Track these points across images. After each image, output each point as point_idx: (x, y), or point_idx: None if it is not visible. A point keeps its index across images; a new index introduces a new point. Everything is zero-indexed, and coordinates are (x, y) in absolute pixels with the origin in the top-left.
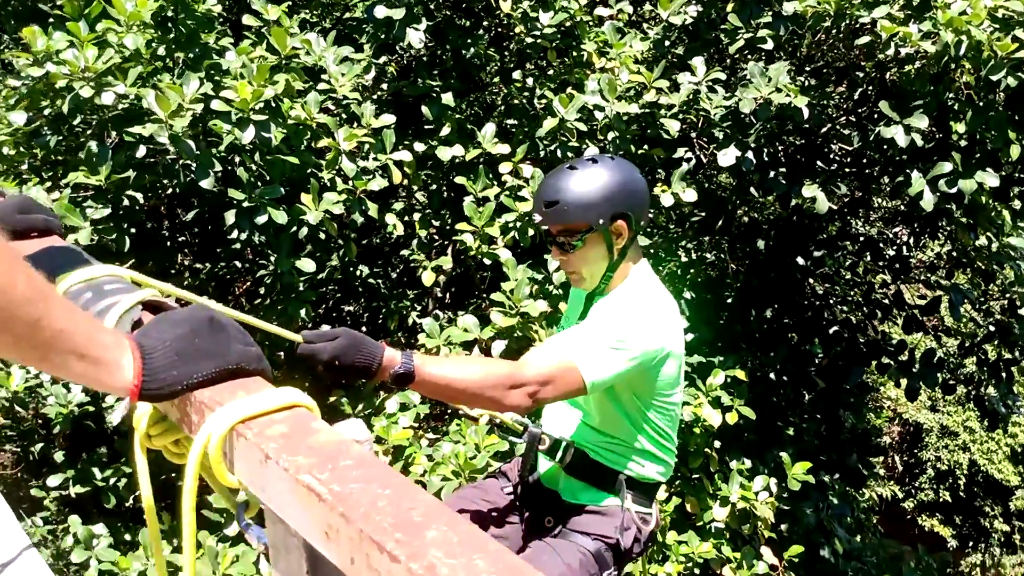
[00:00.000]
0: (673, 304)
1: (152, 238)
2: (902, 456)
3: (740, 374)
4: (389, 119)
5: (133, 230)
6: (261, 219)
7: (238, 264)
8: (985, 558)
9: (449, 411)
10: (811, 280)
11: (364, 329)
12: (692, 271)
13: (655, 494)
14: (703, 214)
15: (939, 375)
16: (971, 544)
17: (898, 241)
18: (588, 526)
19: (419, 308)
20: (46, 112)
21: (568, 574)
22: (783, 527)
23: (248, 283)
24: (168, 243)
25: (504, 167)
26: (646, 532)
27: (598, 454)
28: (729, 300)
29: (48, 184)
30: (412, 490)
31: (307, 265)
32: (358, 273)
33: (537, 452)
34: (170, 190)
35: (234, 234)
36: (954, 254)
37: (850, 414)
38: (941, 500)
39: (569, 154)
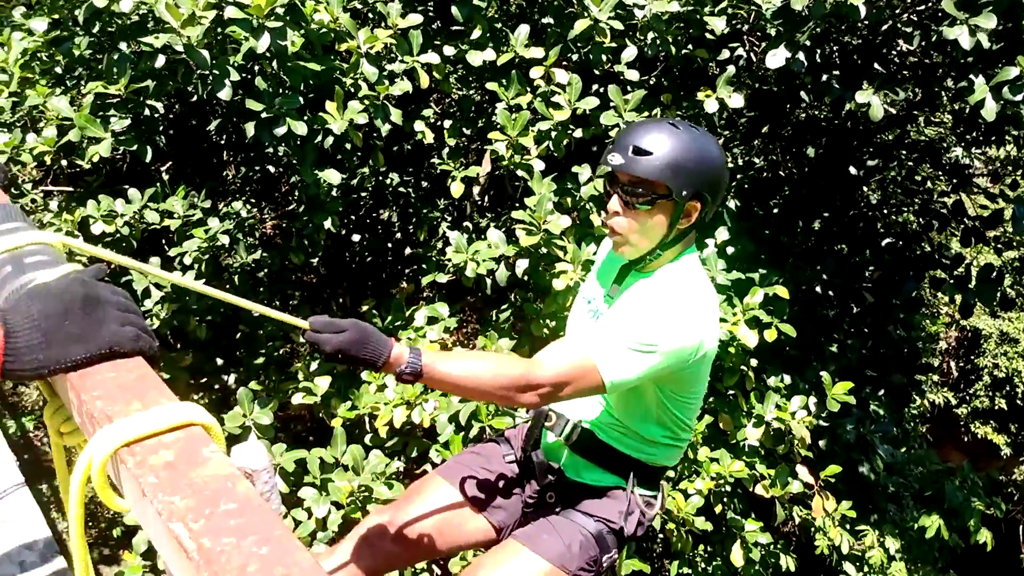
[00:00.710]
0: (715, 300)
1: (180, 147)
2: (958, 362)
3: (781, 291)
4: (416, 19)
5: (159, 140)
6: (280, 130)
7: (271, 169)
8: None
9: (479, 324)
10: (864, 188)
11: (398, 236)
12: (739, 176)
13: (662, 477)
14: (752, 114)
15: (997, 290)
16: None
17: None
18: (591, 507)
19: (450, 219)
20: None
21: (567, 555)
22: (821, 443)
23: (286, 188)
24: (199, 152)
25: (535, 71)
26: (650, 515)
27: (608, 436)
28: (776, 210)
29: (71, 95)
30: (291, 548)
31: (332, 176)
32: (388, 181)
33: (543, 428)
34: (193, 99)
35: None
36: (1021, 161)
37: (900, 329)
38: (996, 408)
39: (604, 57)
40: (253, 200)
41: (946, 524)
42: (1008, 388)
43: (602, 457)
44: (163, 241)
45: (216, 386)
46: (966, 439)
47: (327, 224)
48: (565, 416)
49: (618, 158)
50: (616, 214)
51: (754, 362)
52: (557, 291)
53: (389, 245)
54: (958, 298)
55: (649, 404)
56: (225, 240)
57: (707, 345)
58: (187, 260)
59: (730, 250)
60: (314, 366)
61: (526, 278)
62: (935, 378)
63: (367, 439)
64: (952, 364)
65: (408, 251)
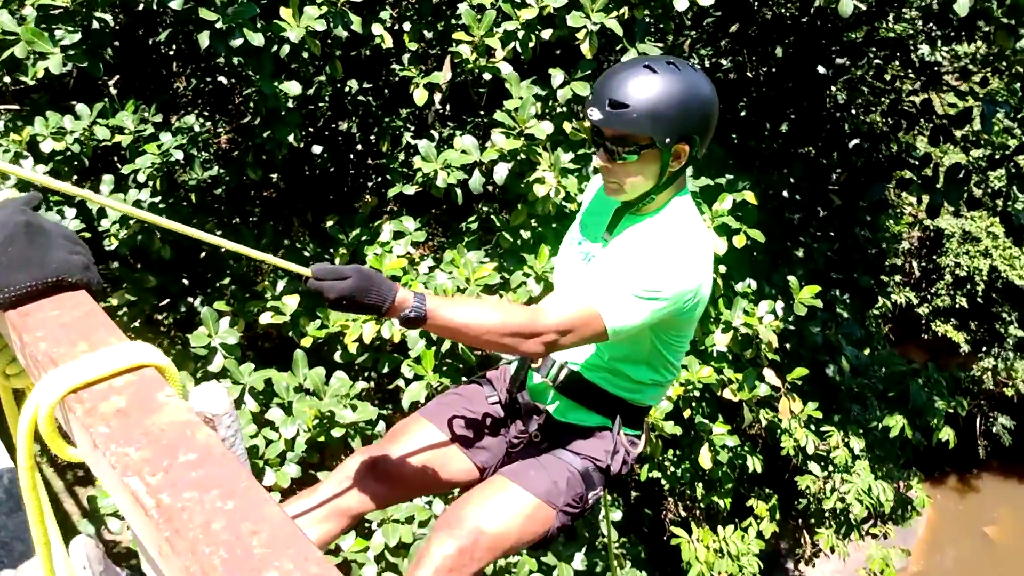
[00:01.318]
0: (710, 241)
1: (127, 60)
2: (920, 261)
3: (750, 197)
4: None
5: (108, 53)
6: (236, 42)
7: (224, 81)
8: (998, 363)
9: (446, 237)
10: (832, 88)
11: (359, 148)
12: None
13: (646, 417)
14: (719, 14)
15: (964, 190)
16: (984, 349)
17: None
18: (577, 446)
19: (413, 128)
20: None
21: (555, 491)
22: (787, 346)
23: (240, 100)
24: (148, 65)
25: None
26: (634, 454)
27: (595, 377)
28: (743, 113)
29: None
30: (258, 501)
31: (292, 87)
32: (347, 90)
33: (529, 370)
34: (140, 7)
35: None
36: (990, 58)
37: (865, 231)
38: (957, 306)
39: None
40: (207, 113)
41: (909, 423)
42: (969, 286)
43: (589, 398)
44: (115, 158)
45: (183, 308)
46: (927, 337)
47: (289, 138)
48: (552, 357)
49: (596, 113)
50: (605, 168)
51: (723, 268)
52: (535, 198)
53: (351, 157)
54: (925, 199)
55: (642, 347)
56: (179, 156)
57: (704, 288)
58: (141, 177)
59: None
60: (281, 285)
61: (493, 188)
62: (897, 278)
63: (337, 356)
64: (914, 264)
65: (371, 163)
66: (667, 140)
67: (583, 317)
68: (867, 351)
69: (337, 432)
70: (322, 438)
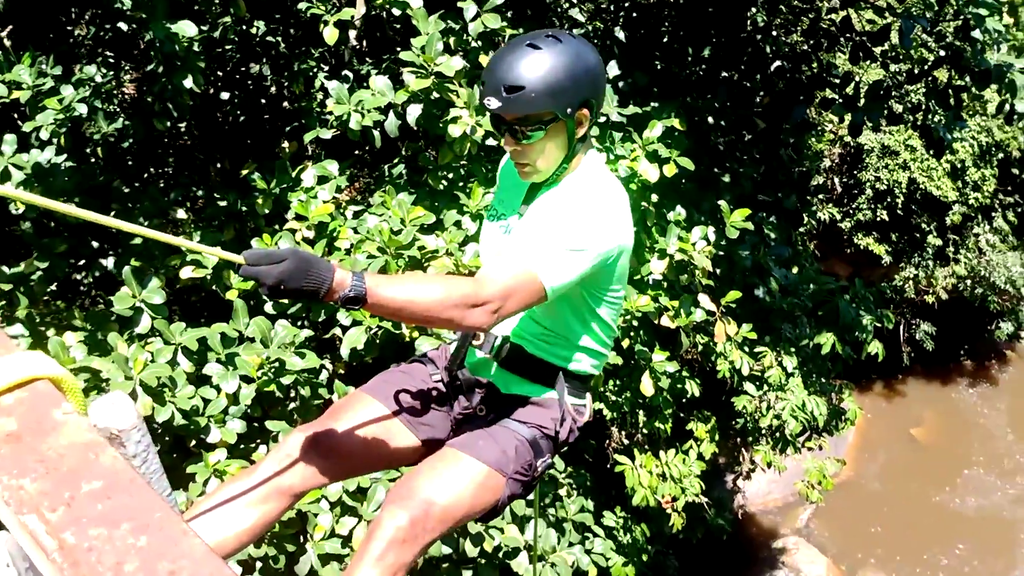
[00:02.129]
0: (625, 196)
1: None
2: (841, 178)
3: (677, 123)
4: None
5: None
6: None
7: (123, 27)
8: (918, 272)
9: (372, 179)
10: (752, 10)
11: (272, 92)
12: (627, 5)
13: (590, 385)
14: None
15: (884, 107)
16: (905, 259)
17: None
18: (524, 415)
19: (327, 68)
20: None
21: (504, 459)
22: (718, 271)
23: (144, 46)
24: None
25: None
26: (581, 422)
27: (537, 348)
28: (665, 39)
29: None
30: (175, 534)
31: (187, 28)
32: (254, 31)
33: (470, 347)
34: None
35: None
36: None
37: (790, 152)
38: (878, 219)
39: None
40: (110, 62)
41: (839, 339)
42: (889, 199)
43: (531, 370)
44: (15, 116)
45: (96, 271)
46: (849, 251)
47: (188, 83)
48: (493, 332)
49: (494, 102)
50: (516, 150)
51: (654, 197)
52: (453, 138)
53: (263, 102)
54: (847, 117)
55: (576, 307)
56: (83, 110)
57: (627, 237)
58: (44, 135)
59: (622, 85)
60: (198, 238)
61: (417, 128)
62: (821, 196)
63: (268, 307)
64: (836, 180)
65: (286, 107)
66: (568, 110)
67: (521, 280)
68: (795, 270)
69: (287, 379)
70: (270, 388)
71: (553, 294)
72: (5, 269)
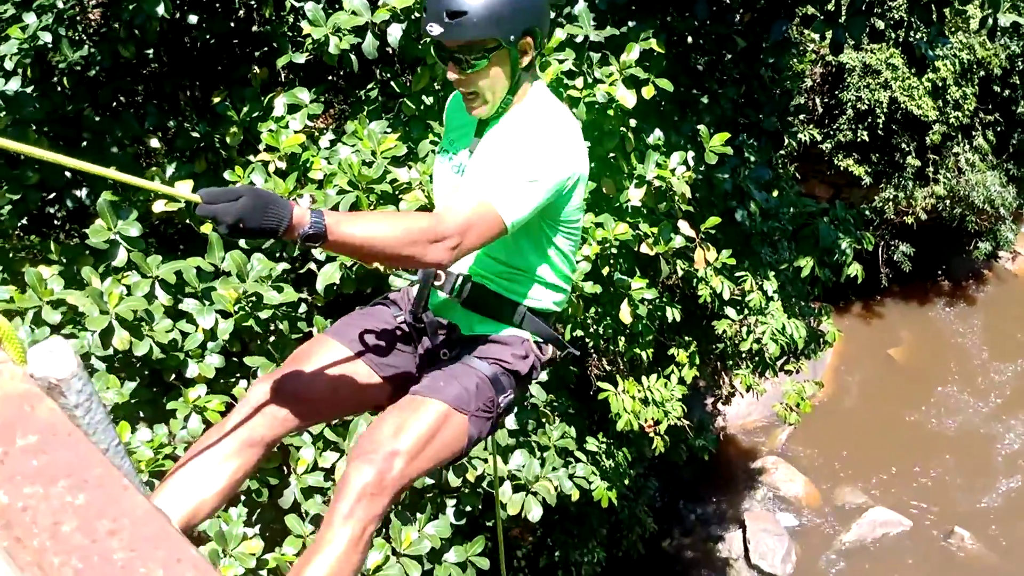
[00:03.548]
0: (575, 123)
1: None
2: (822, 98)
3: (655, 44)
4: None
5: None
6: None
7: None
8: (898, 193)
9: (347, 105)
10: None
11: (241, 14)
12: None
13: (552, 322)
14: None
15: (866, 23)
16: (884, 180)
17: None
18: (485, 351)
19: None
20: None
21: (465, 396)
22: (698, 196)
23: None
24: None
25: None
26: (543, 359)
27: (498, 286)
28: None
29: None
30: (115, 491)
31: None
32: None
33: (432, 288)
34: None
35: None
36: None
37: (770, 72)
38: (859, 140)
39: None
40: None
41: (818, 262)
42: (870, 120)
43: (493, 308)
44: None
45: (69, 202)
46: (830, 173)
47: (160, 10)
48: (453, 271)
49: (436, 27)
50: (459, 80)
51: (632, 122)
52: (433, 60)
53: (232, 25)
54: (829, 35)
55: (535, 238)
56: (47, 38)
57: (582, 165)
58: (9, 65)
59: (599, 2)
60: (171, 170)
61: (392, 51)
62: (801, 117)
63: (243, 242)
64: (817, 100)
65: (255, 30)
66: (511, 37)
67: (479, 214)
68: (776, 193)
69: (264, 314)
70: (248, 322)
71: (513, 228)
72: None
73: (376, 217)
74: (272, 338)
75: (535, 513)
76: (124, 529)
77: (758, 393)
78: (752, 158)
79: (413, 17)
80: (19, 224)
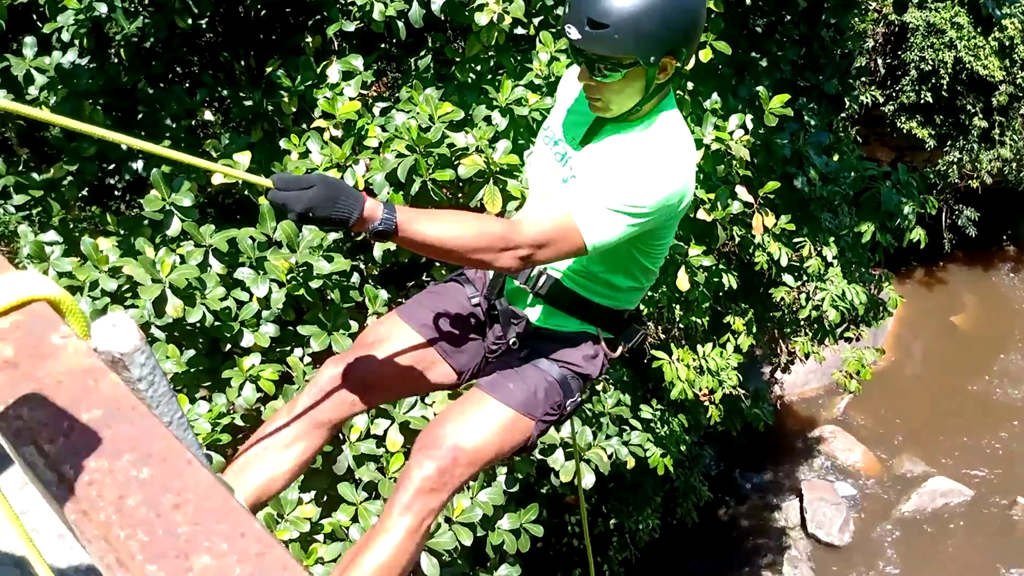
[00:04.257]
0: (693, 150)
1: None
2: (885, 59)
3: (713, 5)
4: None
5: None
6: None
7: None
8: (963, 156)
9: (400, 73)
10: None
11: None
12: None
13: (626, 318)
14: None
15: None
16: (949, 143)
17: None
18: (555, 353)
19: None
20: None
21: (532, 401)
22: (756, 160)
23: None
24: None
25: None
26: (614, 356)
27: (574, 283)
28: None
29: None
30: (180, 465)
31: None
32: None
33: (508, 276)
34: None
35: None
36: None
37: (831, 33)
38: (922, 101)
39: None
40: None
41: (880, 227)
42: (934, 80)
43: (569, 305)
44: (34, 17)
45: (127, 175)
46: (893, 135)
47: None
48: None
49: (575, 32)
50: (588, 84)
51: (690, 85)
52: (480, 27)
53: None
54: None
55: (621, 257)
56: (103, 9)
57: (686, 200)
58: (65, 36)
59: None
60: (226, 140)
61: (443, 16)
62: (863, 78)
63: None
64: (879, 61)
65: None
66: (652, 59)
67: (561, 231)
68: (836, 157)
69: (315, 284)
70: (299, 292)
71: (593, 251)
72: (36, 176)
73: (450, 217)
74: (326, 308)
75: (588, 480)
76: (188, 503)
77: (818, 361)
78: (812, 122)
79: None
80: (79, 195)
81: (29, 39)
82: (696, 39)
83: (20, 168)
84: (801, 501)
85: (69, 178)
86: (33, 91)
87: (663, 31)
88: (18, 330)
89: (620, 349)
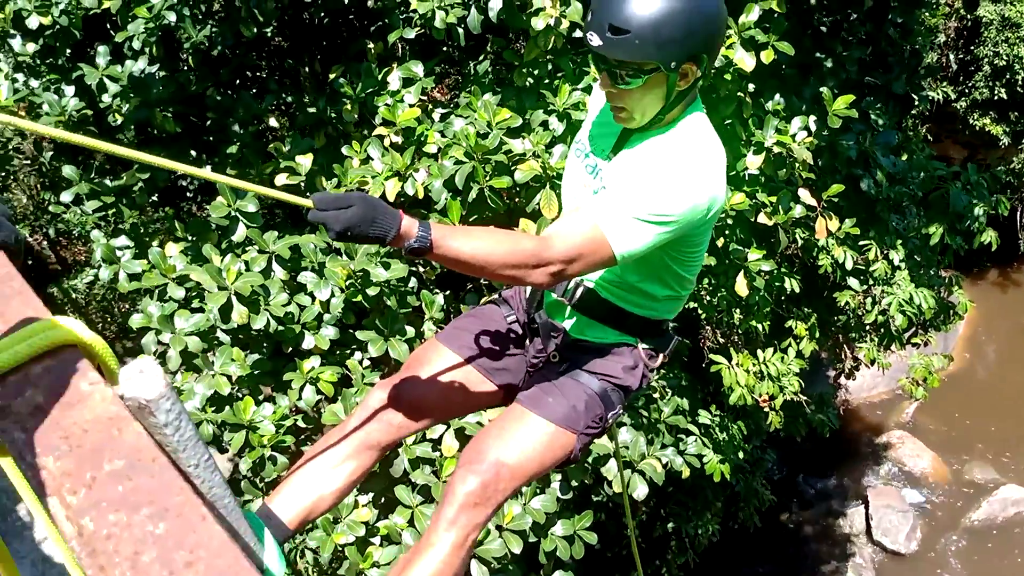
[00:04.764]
0: (722, 156)
1: None
2: (957, 54)
3: (775, 5)
4: None
5: None
6: None
7: None
8: None
9: (461, 76)
10: None
11: None
12: None
13: (665, 328)
14: None
15: None
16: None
17: None
18: (595, 366)
19: None
20: None
21: (573, 415)
22: (820, 162)
23: None
24: None
25: None
26: (653, 366)
27: (610, 294)
28: None
29: None
30: (194, 520)
31: None
32: None
33: (545, 289)
34: None
35: None
36: None
37: (899, 31)
38: (996, 98)
39: None
40: None
41: (949, 228)
42: (1008, 76)
43: (605, 315)
44: (107, 27)
45: (192, 185)
46: (965, 132)
47: None
48: None
49: (596, 38)
50: (610, 92)
51: (751, 87)
52: (537, 32)
53: (346, 2)
54: None
55: (654, 266)
56: (171, 17)
57: (716, 206)
58: (136, 44)
59: None
60: (288, 146)
61: (500, 23)
62: (933, 76)
63: None
64: (951, 56)
65: (370, 5)
66: (673, 64)
67: (590, 244)
68: (904, 156)
69: (372, 291)
70: (357, 298)
71: (623, 260)
72: (108, 182)
73: (483, 234)
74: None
75: (640, 491)
76: (200, 560)
77: (883, 368)
78: (881, 121)
79: None
80: (150, 200)
81: (102, 48)
82: (717, 47)
83: (93, 174)
84: (867, 508)
85: (140, 184)
86: (106, 99)
87: (684, 37)
88: (49, 375)
89: (660, 359)
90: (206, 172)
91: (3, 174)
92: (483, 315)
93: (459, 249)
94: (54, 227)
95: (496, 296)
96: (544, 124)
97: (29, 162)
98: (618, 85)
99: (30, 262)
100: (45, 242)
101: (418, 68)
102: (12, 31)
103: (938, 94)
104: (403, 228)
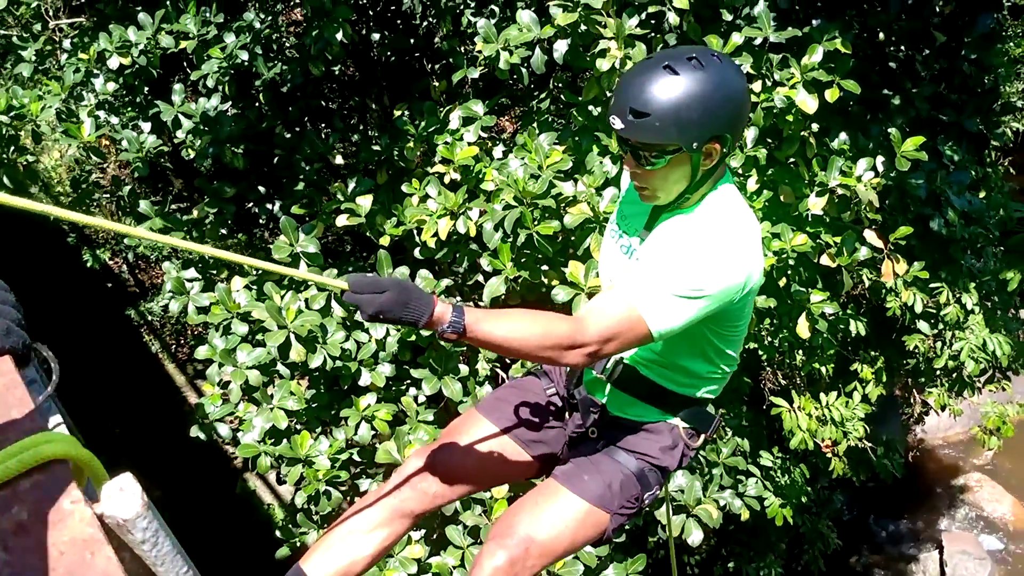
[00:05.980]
0: (756, 229)
1: None
2: None
3: (840, 45)
4: None
5: None
6: None
7: None
8: None
9: (518, 118)
10: None
11: (422, 31)
12: None
13: (706, 407)
14: None
15: None
16: None
17: None
18: (633, 444)
19: (473, 5)
20: None
21: (607, 495)
22: (887, 202)
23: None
24: None
25: None
26: (694, 446)
27: (650, 372)
28: None
29: None
30: None
31: None
32: None
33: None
34: None
35: None
36: None
37: (974, 69)
38: None
39: None
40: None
41: None
42: None
43: (645, 393)
44: (184, 65)
45: (262, 216)
46: None
47: (339, 36)
48: None
49: (618, 122)
50: (635, 173)
51: (815, 127)
52: (601, 72)
53: (412, 41)
54: None
55: (694, 341)
56: (244, 56)
57: (753, 280)
58: (210, 83)
59: (781, 1)
60: (353, 185)
61: (564, 64)
62: (1018, 103)
63: (416, 252)
64: None
65: (436, 46)
66: (695, 144)
67: (625, 322)
68: (982, 194)
69: (426, 331)
70: (412, 336)
71: (660, 337)
72: (181, 216)
73: (517, 317)
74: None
75: (695, 537)
76: None
77: (954, 414)
78: (955, 158)
79: (579, 31)
80: (219, 233)
81: (177, 86)
82: (741, 125)
83: (167, 207)
84: (941, 553)
85: (211, 217)
86: (180, 135)
87: (705, 118)
88: (37, 491)
89: (701, 439)
90: (211, 250)
91: (85, 205)
92: (523, 387)
93: (492, 333)
94: (133, 252)
95: (537, 368)
96: (599, 165)
97: (108, 195)
98: (642, 166)
99: (109, 285)
100: (124, 266)
101: (478, 107)
102: (96, 70)
103: (1021, 124)
104: (436, 314)
